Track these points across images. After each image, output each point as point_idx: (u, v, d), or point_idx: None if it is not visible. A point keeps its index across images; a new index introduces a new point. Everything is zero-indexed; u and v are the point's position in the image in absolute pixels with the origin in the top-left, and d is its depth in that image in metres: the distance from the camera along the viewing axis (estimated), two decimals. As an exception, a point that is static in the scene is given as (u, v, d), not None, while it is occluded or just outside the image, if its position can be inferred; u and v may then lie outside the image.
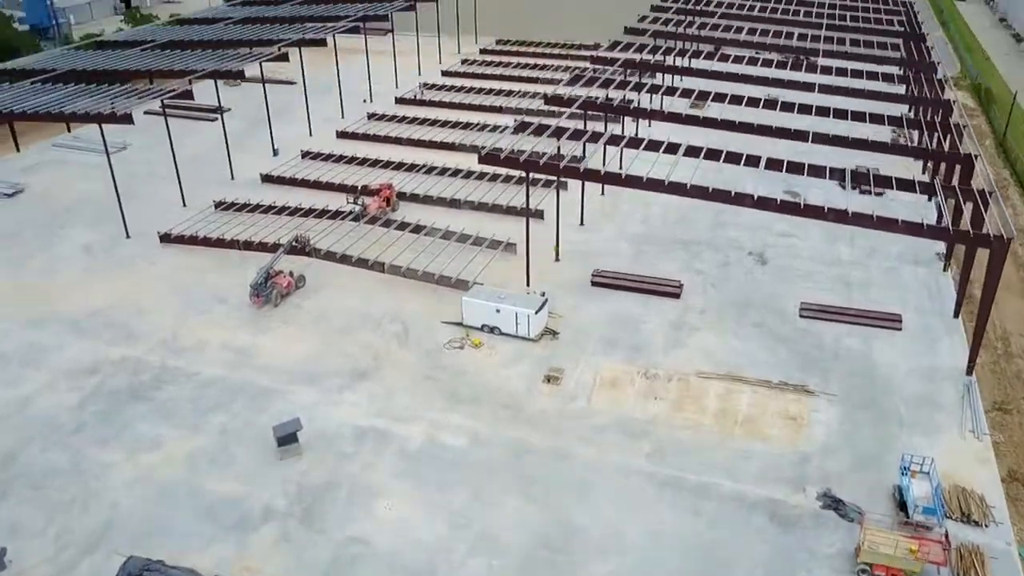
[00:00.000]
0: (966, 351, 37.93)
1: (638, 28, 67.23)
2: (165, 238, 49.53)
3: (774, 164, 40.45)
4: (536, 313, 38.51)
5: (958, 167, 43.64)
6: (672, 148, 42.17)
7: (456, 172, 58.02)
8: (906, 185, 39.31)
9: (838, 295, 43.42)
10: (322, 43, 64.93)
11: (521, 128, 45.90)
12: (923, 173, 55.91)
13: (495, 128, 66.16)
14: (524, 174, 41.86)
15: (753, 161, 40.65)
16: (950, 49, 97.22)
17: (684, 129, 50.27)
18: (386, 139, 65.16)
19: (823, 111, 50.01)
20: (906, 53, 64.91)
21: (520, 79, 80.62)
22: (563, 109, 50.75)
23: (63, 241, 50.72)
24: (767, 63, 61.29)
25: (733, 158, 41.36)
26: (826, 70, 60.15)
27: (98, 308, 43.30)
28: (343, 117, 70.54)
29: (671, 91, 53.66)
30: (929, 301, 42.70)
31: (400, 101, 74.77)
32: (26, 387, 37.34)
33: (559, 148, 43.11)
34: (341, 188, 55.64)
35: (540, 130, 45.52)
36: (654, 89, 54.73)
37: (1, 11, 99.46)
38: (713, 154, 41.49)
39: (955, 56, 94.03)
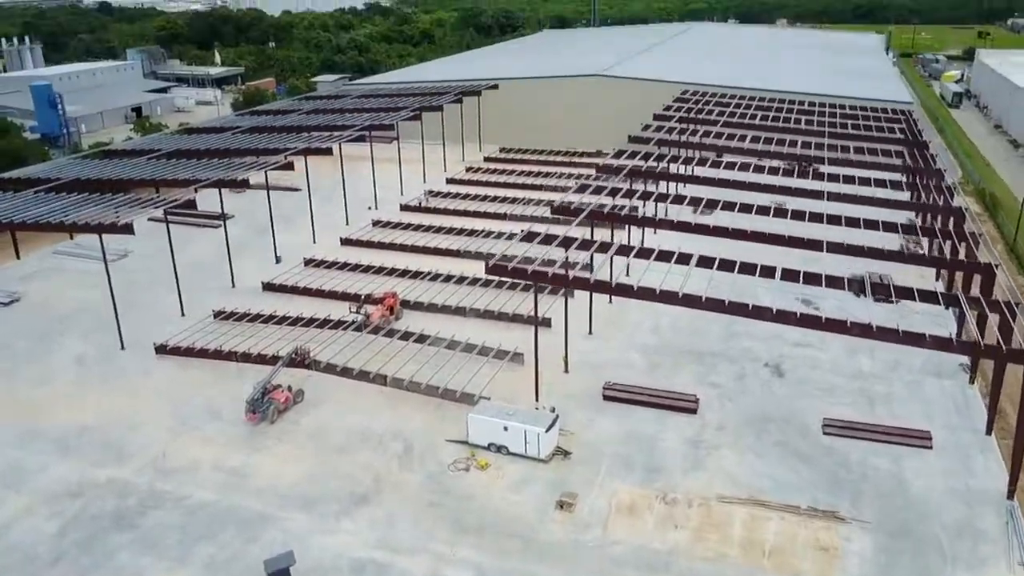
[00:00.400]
0: (1003, 471, 35.75)
1: (642, 137, 67.61)
2: (161, 349, 48.00)
3: (790, 275, 39.28)
4: (546, 431, 36.54)
5: (977, 276, 42.50)
6: (684, 258, 41.10)
7: (461, 279, 57.07)
8: (928, 296, 38.02)
9: (861, 410, 41.48)
10: (328, 152, 65.24)
11: (528, 238, 44.97)
12: (936, 280, 54.94)
13: (500, 235, 65.73)
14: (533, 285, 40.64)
15: (768, 272, 39.49)
16: (949, 155, 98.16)
17: (692, 237, 49.48)
18: (391, 246, 64.54)
19: (833, 219, 49.29)
20: (910, 160, 64.99)
21: (525, 186, 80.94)
22: (570, 218, 50.02)
23: (56, 352, 49.18)
24: (773, 171, 61.13)
25: (747, 269, 40.25)
26: (832, 177, 59.91)
27: (87, 424, 41.36)
28: (347, 224, 70.23)
29: (679, 199, 53.11)
30: (958, 417, 40.71)
31: (405, 208, 74.70)
32: (3, 512, 35.01)
33: (567, 258, 42.07)
34: (344, 296, 54.50)
35: (548, 239, 44.62)
36: (661, 198, 54.26)
37: (12, 121, 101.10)
38: (726, 265, 40.41)
39: (955, 162, 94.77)
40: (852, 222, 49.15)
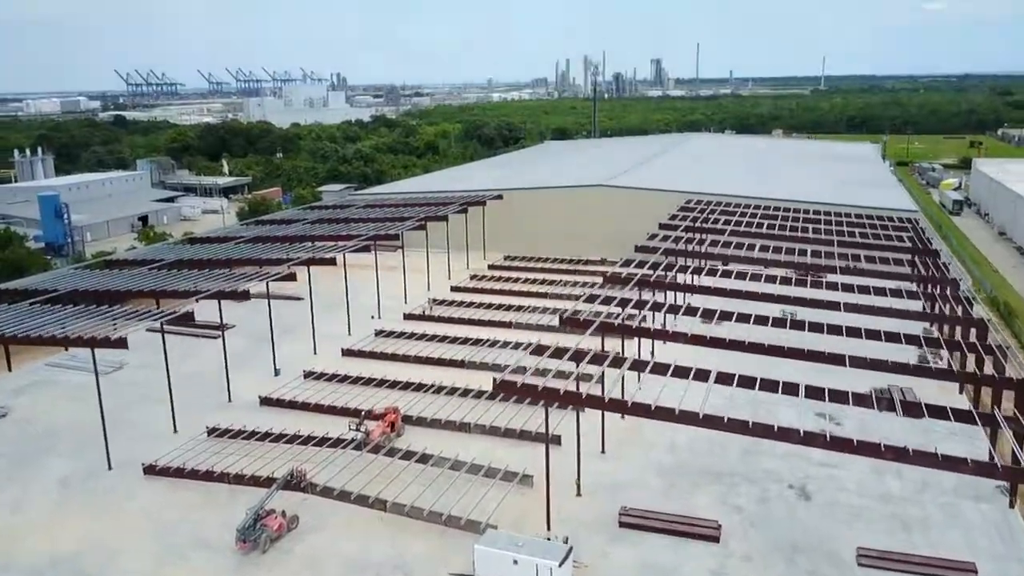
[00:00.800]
0: (1058, 609, 32.73)
1: (649, 246, 66.90)
2: (150, 470, 45.48)
3: (814, 392, 37.31)
4: (560, 566, 33.71)
5: (1008, 393, 40.46)
6: (701, 374, 39.17)
7: (466, 392, 54.99)
8: (963, 416, 35.90)
9: (896, 538, 38.60)
10: (331, 262, 64.38)
11: (538, 351, 43.20)
12: (960, 393, 52.86)
13: (506, 344, 64.08)
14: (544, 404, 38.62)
15: (791, 389, 37.52)
16: (957, 262, 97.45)
17: (706, 349, 47.77)
18: (393, 357, 62.73)
19: (852, 331, 47.67)
20: (922, 269, 63.96)
21: (530, 294, 79.86)
22: (579, 330, 48.41)
23: (38, 472, 46.64)
24: (784, 280, 59.93)
25: (768, 385, 38.31)
26: (845, 287, 58.65)
27: (64, 553, 38.51)
28: (349, 334, 68.68)
29: (691, 311, 51.59)
30: (1002, 545, 37.81)
31: (409, 317, 73.33)
32: (-37, 659, 31.91)
33: (578, 375, 40.14)
34: (344, 411, 52.28)
35: (558, 353, 42.84)
36: (673, 309, 52.76)
37: (15, 231, 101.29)
38: (746, 381, 38.49)
39: (963, 269, 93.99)
40: (872, 334, 47.52)
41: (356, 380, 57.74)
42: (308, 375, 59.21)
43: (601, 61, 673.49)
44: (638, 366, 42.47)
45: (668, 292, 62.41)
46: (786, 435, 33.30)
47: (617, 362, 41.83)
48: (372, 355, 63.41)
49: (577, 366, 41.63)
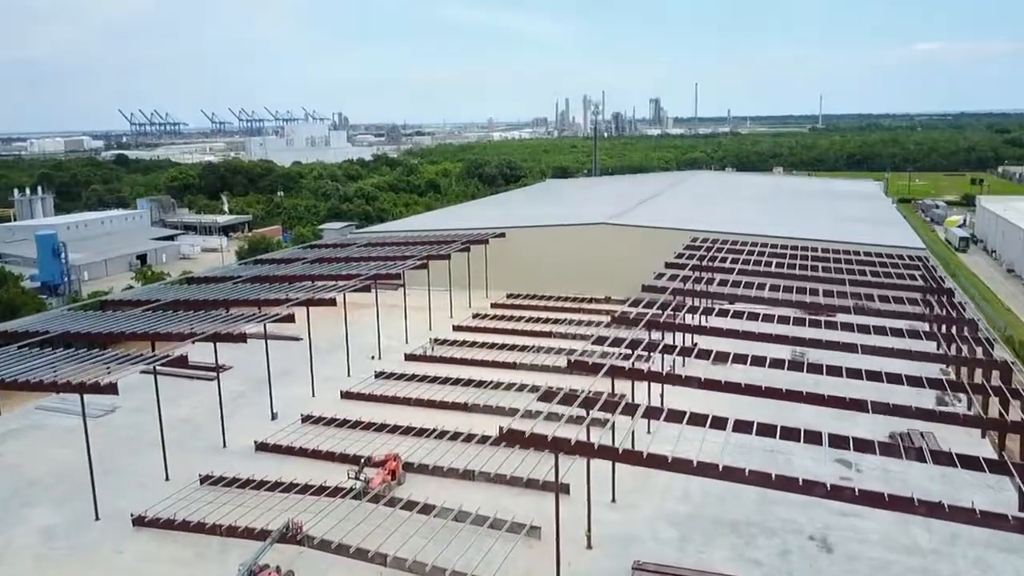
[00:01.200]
0: (1106, 675, 30.49)
1: (656, 286, 65.37)
2: (138, 521, 43.38)
3: (838, 441, 35.43)
4: (572, 627, 31.57)
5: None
6: (719, 422, 37.34)
7: (470, 437, 53.00)
8: (996, 466, 33.96)
9: (927, 594, 36.49)
10: (331, 303, 62.78)
11: (546, 397, 41.38)
12: (983, 437, 50.92)
13: (511, 386, 62.25)
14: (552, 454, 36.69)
15: (814, 437, 35.64)
16: (970, 302, 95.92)
17: (717, 394, 45.92)
18: (394, 400, 60.84)
19: (872, 375, 45.81)
20: (938, 308, 62.35)
21: (535, 334, 78.17)
22: (588, 374, 46.60)
23: (20, 523, 44.53)
24: (798, 321, 58.28)
25: (789, 434, 36.41)
26: (862, 328, 56.88)
27: (45, 613, 36.34)
28: (349, 375, 66.89)
29: (703, 354, 49.80)
30: (1040, 603, 35.70)
31: (410, 358, 71.55)
32: None
33: (588, 423, 38.25)
34: (342, 458, 50.29)
35: (568, 399, 40.99)
36: (684, 352, 51.00)
37: (10, 271, 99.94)
38: (766, 429, 36.62)
39: (975, 308, 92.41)
40: (892, 378, 45.65)
41: (355, 424, 55.82)
42: (306, 419, 57.31)
43: (600, 101, 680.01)
44: (651, 413, 40.58)
45: (677, 333, 60.81)
46: (811, 488, 31.35)
47: (630, 409, 39.96)
48: (372, 398, 61.51)
49: (588, 413, 39.77)
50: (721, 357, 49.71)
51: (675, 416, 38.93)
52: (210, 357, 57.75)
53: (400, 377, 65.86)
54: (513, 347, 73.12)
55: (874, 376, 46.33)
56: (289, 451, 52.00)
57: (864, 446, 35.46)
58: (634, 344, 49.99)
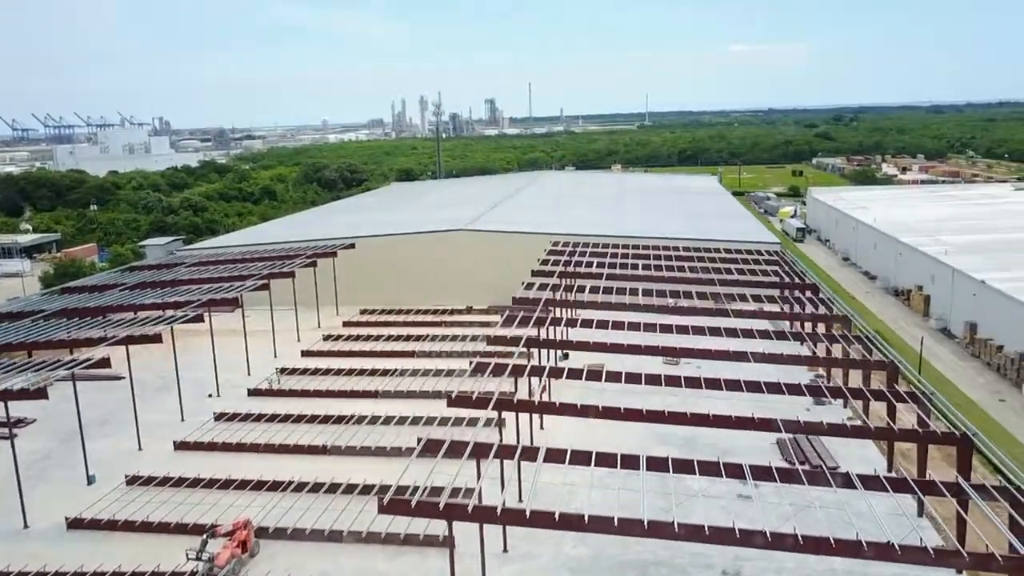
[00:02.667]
0: None
1: (527, 297, 60.82)
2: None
3: (734, 470, 31.99)
4: None
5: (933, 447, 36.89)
6: (605, 459, 33.05)
7: (333, 487, 46.02)
8: (900, 485, 31.52)
9: (853, 626, 33.71)
10: (156, 339, 53.49)
11: (429, 448, 35.40)
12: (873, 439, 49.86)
13: (375, 420, 55.60)
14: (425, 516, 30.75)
15: (710, 468, 32.09)
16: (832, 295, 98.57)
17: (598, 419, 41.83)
18: (239, 447, 52.63)
19: (751, 385, 43.82)
20: (807, 305, 61.72)
21: (395, 354, 71.58)
22: (470, 409, 41.10)
23: None
24: (666, 328, 55.46)
25: (684, 467, 32.72)
26: (730, 331, 54.86)
27: None
28: (183, 420, 57.81)
29: (575, 373, 45.59)
30: (967, 623, 33.72)
31: (254, 393, 63.16)
32: None
33: (480, 487, 32.74)
34: (180, 529, 41.99)
35: (455, 448, 35.21)
36: (555, 373, 46.56)
37: None
38: (658, 463, 32.61)
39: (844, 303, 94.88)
40: (773, 387, 43.63)
41: (194, 483, 47.31)
42: (132, 481, 48.12)
43: (438, 101, 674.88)
44: (529, 454, 35.62)
45: (552, 350, 56.69)
46: (749, 539, 27.41)
47: (506, 452, 34.75)
48: (212, 447, 52.98)
49: (478, 464, 34.20)
50: (596, 375, 45.95)
51: (556, 455, 34.31)
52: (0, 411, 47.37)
53: (245, 418, 57.55)
54: (373, 372, 66.26)
55: (754, 387, 44.09)
56: (111, 526, 42.93)
57: (762, 473, 32.22)
58: (518, 370, 44.95)
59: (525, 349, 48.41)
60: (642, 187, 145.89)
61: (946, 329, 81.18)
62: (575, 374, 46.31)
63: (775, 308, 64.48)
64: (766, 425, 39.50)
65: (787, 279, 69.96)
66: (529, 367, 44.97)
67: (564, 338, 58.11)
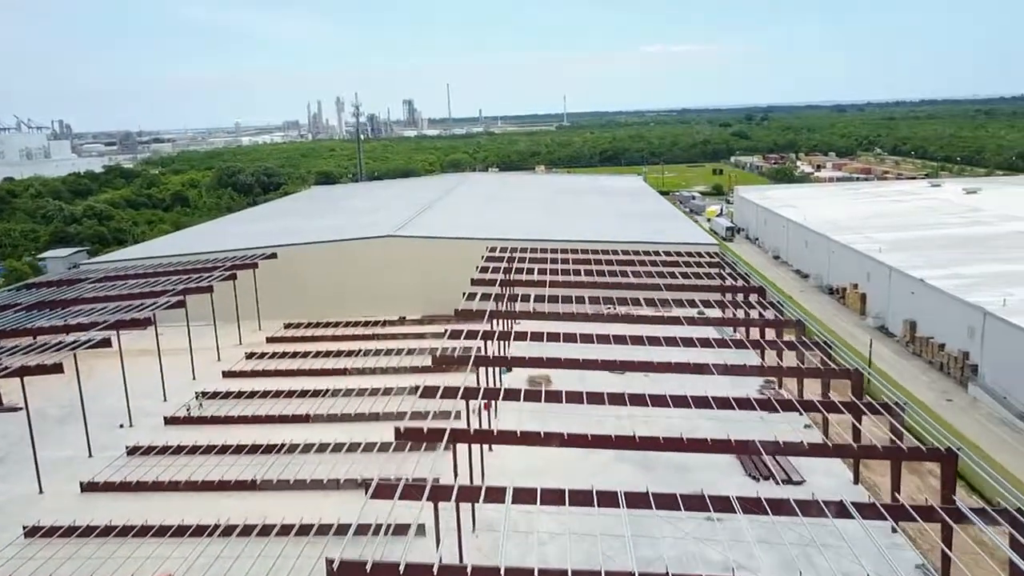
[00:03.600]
0: None
1: (470, 309, 57.17)
2: None
3: (695, 503, 29.38)
4: None
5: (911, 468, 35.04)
6: (551, 496, 29.99)
7: (266, 529, 41.26)
8: (873, 513, 29.38)
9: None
10: (56, 370, 47.56)
11: (376, 492, 31.43)
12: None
13: (308, 448, 51.02)
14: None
15: (667, 501, 29.38)
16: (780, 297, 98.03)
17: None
18: (156, 486, 47.29)
19: (698, 401, 41.28)
20: (760, 309, 60.07)
21: (325, 372, 66.82)
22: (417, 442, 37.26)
23: None
24: (619, 339, 52.80)
25: (639, 500, 29.99)
26: (685, 340, 52.60)
27: None
28: (91, 456, 51.98)
29: (516, 394, 42.32)
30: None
31: (172, 421, 57.57)
32: None
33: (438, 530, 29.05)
34: (89, 589, 36.81)
35: (410, 490, 31.35)
36: (491, 394, 43.24)
37: None
38: (608, 498, 29.94)
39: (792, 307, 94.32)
40: (722, 402, 41.45)
41: (105, 531, 41.88)
42: (31, 532, 42.33)
43: (355, 102, 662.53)
44: (469, 495, 32.17)
45: (492, 368, 53.28)
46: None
47: (440, 493, 31.15)
48: (125, 487, 47.43)
49: (425, 506, 30.43)
50: (536, 395, 42.94)
51: (495, 494, 31.02)
52: None
53: (162, 451, 52.08)
54: (303, 394, 61.44)
55: (702, 402, 41.76)
56: (6, 590, 37.44)
57: (725, 504, 29.81)
58: (469, 392, 41.33)
59: (472, 369, 44.69)
60: (571, 188, 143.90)
61: (884, 327, 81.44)
62: (514, 395, 43.04)
63: (723, 313, 62.64)
64: (722, 447, 37.09)
65: (731, 282, 68.43)
66: (463, 390, 41.21)
67: (508, 352, 54.81)
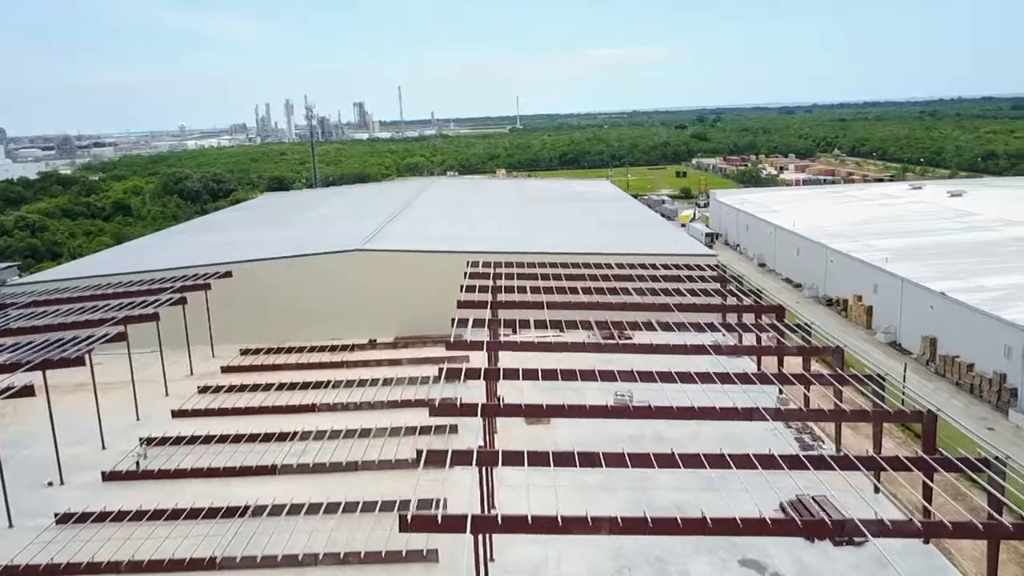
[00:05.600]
0: None
1: (462, 340, 49.46)
2: None
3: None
4: None
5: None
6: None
7: (229, 626, 33.40)
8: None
9: None
10: (-38, 432, 38.64)
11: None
12: (876, 493, 41.80)
13: (277, 510, 42.86)
14: None
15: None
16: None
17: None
18: (91, 569, 38.68)
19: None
20: (777, 335, 53.65)
21: (291, 409, 58.53)
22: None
23: None
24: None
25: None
26: (702, 375, 45.80)
27: None
28: (11, 525, 43.14)
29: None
30: None
31: (112, 477, 48.83)
32: None
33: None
34: None
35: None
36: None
37: None
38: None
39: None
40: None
41: (25, 638, 33.47)
42: (-71, 641, 33.67)
43: (305, 104, 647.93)
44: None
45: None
46: None
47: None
48: (52, 573, 38.78)
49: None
50: (557, 458, 35.45)
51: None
52: None
53: (101, 517, 43.36)
54: (267, 438, 53.18)
55: (744, 461, 34.38)
56: None
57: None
58: (456, 458, 33.57)
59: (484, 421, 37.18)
60: (544, 194, 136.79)
61: (896, 343, 75.97)
62: (514, 458, 35.38)
63: (727, 333, 56.30)
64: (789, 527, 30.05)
65: (743, 299, 62.09)
66: (477, 454, 33.57)
67: (502, 390, 47.20)
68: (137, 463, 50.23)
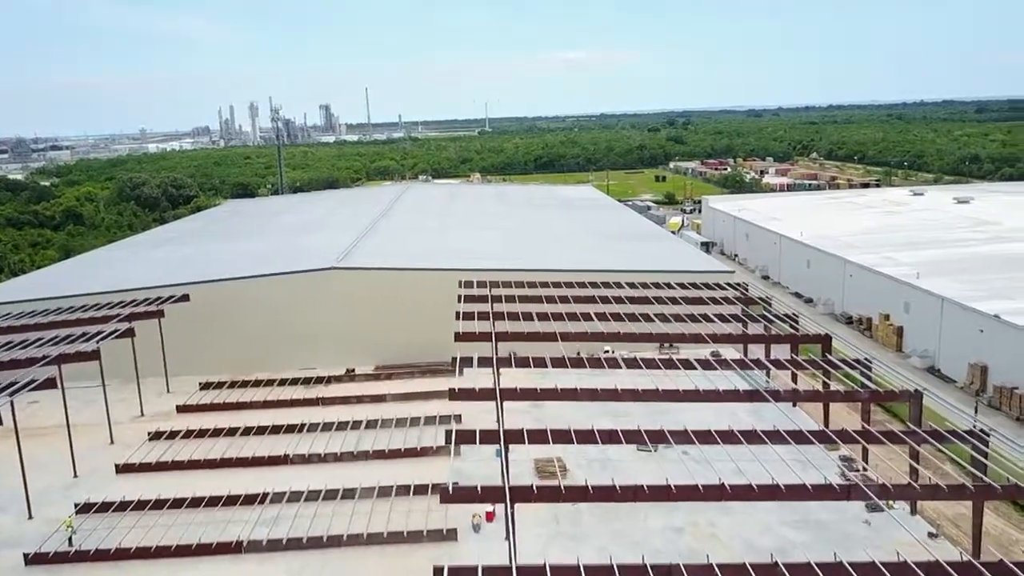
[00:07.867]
0: None
1: (470, 390, 41.09)
2: None
3: None
4: None
5: None
6: None
7: None
8: None
9: None
10: None
11: None
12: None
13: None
14: None
15: None
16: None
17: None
18: None
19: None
20: (820, 372, 46.10)
21: (259, 462, 49.56)
22: None
23: None
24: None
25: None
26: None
27: None
28: (-98, 635, 33.91)
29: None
30: None
31: (37, 560, 39.56)
32: None
33: None
34: None
35: None
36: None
37: None
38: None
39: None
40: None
41: None
42: None
43: (270, 107, 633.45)
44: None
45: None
46: None
47: None
48: None
49: None
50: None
51: None
52: None
53: (16, 624, 34.28)
54: (231, 501, 44.20)
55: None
56: None
57: None
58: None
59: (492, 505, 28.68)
60: (529, 200, 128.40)
61: (935, 369, 68.83)
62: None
63: (784, 376, 48.82)
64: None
65: (770, 326, 54.63)
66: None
67: (505, 421, 39.05)
68: (69, 539, 41.02)
